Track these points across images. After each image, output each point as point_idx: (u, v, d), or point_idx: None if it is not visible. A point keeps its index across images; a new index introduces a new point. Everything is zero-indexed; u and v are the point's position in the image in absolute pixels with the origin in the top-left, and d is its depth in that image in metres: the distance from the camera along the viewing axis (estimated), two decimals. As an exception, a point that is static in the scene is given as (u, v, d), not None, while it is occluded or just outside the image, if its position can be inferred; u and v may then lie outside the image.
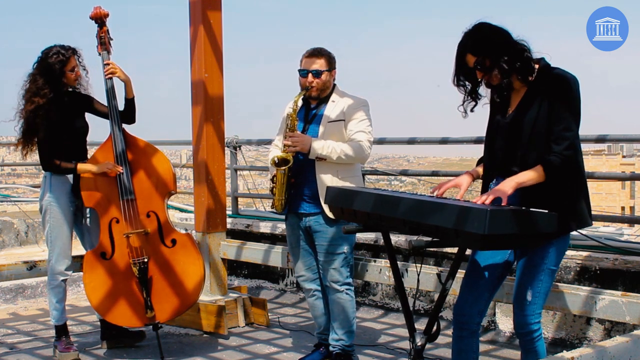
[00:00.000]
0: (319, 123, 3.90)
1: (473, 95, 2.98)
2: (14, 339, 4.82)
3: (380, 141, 5.81)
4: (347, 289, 3.96)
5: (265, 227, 6.23)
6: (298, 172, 3.89)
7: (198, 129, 5.07)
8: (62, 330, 4.35)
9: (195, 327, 4.89)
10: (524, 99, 2.91)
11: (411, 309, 3.06)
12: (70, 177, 4.27)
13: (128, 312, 4.27)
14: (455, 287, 3.24)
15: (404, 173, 6.27)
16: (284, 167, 3.83)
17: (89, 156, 4.39)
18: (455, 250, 2.98)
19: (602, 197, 34.16)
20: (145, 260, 4.23)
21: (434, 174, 6.25)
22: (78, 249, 4.56)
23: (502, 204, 2.71)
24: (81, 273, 4.41)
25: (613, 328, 4.28)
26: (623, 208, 34.82)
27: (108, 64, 4.31)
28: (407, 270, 3.90)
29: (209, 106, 5.03)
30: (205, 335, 4.82)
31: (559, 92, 2.83)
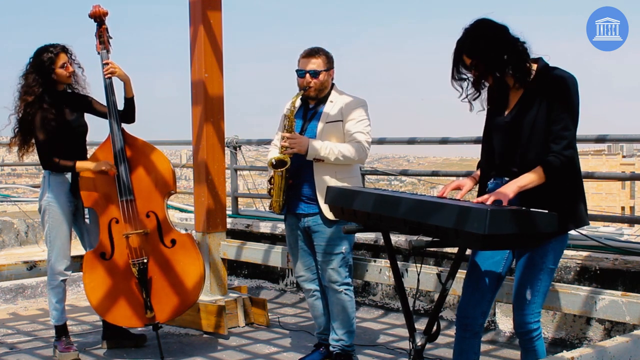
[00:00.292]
0: (317, 123, 3.89)
1: (476, 86, 2.96)
2: (14, 339, 4.82)
3: (380, 141, 5.81)
4: (345, 289, 3.96)
5: (265, 227, 6.23)
6: (296, 173, 3.89)
7: (198, 129, 5.07)
8: (62, 330, 4.35)
9: (195, 327, 4.89)
10: (523, 99, 2.91)
11: (411, 309, 3.06)
12: (69, 176, 4.27)
13: (128, 312, 4.26)
14: (455, 287, 3.24)
15: (404, 173, 6.27)
16: (281, 169, 3.83)
17: (88, 156, 4.39)
18: (455, 250, 2.98)
19: (602, 197, 34.16)
20: (145, 260, 4.23)
21: (434, 174, 6.26)
22: (78, 249, 4.56)
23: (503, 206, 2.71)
24: (81, 273, 4.41)
25: (613, 328, 4.28)
26: (623, 208, 34.81)
27: (107, 64, 4.30)
28: (407, 270, 3.90)
29: (209, 106, 5.03)
30: (205, 335, 4.82)
31: (557, 92, 2.83)
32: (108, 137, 4.32)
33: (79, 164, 4.21)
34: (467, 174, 3.37)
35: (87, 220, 4.42)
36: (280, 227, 5.98)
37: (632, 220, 6.56)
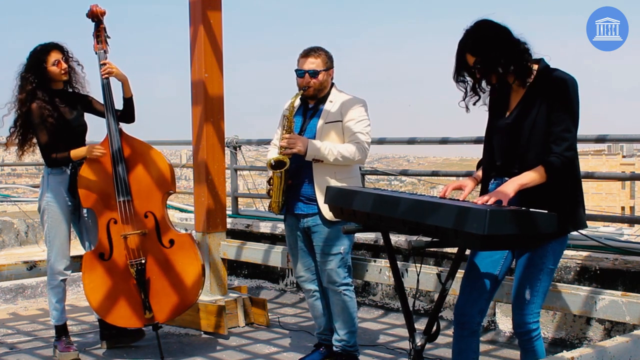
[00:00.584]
0: (316, 123, 3.89)
1: (476, 90, 2.98)
2: (14, 339, 4.82)
3: (380, 141, 5.81)
4: (345, 290, 3.95)
5: (265, 227, 6.23)
6: (296, 173, 3.88)
7: (198, 129, 5.07)
8: (62, 330, 4.35)
9: (195, 327, 4.89)
10: (524, 100, 2.91)
11: (411, 309, 3.06)
12: (67, 176, 4.26)
13: (127, 312, 4.26)
14: (455, 287, 3.24)
15: (404, 173, 6.27)
16: (280, 170, 3.82)
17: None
18: (455, 250, 2.98)
19: (602, 197, 34.16)
20: (143, 261, 4.23)
21: (434, 174, 6.26)
22: (78, 249, 4.56)
23: (503, 206, 2.71)
24: (81, 273, 4.40)
25: (613, 328, 4.28)
26: (623, 208, 34.81)
27: (104, 64, 4.29)
28: (407, 270, 3.90)
29: (209, 106, 5.03)
30: (205, 335, 4.82)
31: (558, 93, 2.83)
32: (106, 137, 4.31)
33: (73, 152, 4.19)
34: (468, 174, 3.38)
35: (86, 218, 4.40)
36: (280, 227, 5.98)
37: (632, 220, 6.56)
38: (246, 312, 5.07)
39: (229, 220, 5.87)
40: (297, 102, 3.96)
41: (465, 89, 2.98)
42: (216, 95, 5.06)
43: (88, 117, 4.42)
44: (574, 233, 3.92)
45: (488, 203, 2.71)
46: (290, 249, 4.13)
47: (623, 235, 4.95)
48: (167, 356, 4.32)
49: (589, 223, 3.25)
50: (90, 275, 4.29)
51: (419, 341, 2.95)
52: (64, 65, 4.22)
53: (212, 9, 4.99)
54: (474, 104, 3.01)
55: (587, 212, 3.00)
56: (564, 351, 2.86)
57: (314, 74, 3.84)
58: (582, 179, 3.01)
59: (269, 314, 5.14)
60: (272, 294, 6.01)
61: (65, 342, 4.32)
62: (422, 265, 3.28)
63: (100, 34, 4.34)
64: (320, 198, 3.79)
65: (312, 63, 3.85)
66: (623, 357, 2.60)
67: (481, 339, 4.47)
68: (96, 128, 4.52)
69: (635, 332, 2.82)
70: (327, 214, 3.71)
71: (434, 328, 2.95)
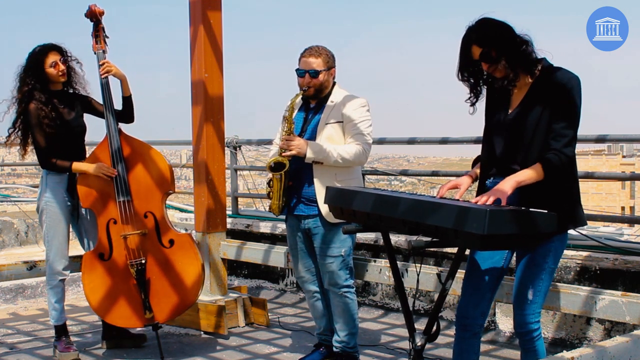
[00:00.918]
0: (317, 123, 3.87)
1: (475, 91, 2.98)
2: (14, 339, 4.82)
3: (380, 141, 5.80)
4: (345, 292, 3.94)
5: (265, 227, 6.23)
6: (296, 174, 3.86)
7: (198, 129, 5.07)
8: (61, 330, 4.35)
9: (195, 327, 4.88)
10: (527, 98, 2.91)
11: (411, 309, 3.06)
12: (66, 176, 4.26)
13: (127, 312, 4.26)
14: (455, 287, 3.24)
15: (404, 173, 6.27)
16: (279, 172, 3.81)
17: (87, 156, 4.38)
18: (455, 250, 2.98)
19: (602, 197, 34.18)
20: (143, 261, 4.22)
21: (434, 174, 6.26)
22: (78, 248, 4.56)
23: (502, 204, 2.71)
24: (80, 273, 4.40)
25: (613, 328, 4.28)
26: (623, 208, 34.82)
27: (103, 64, 4.28)
28: (407, 270, 3.90)
29: (209, 106, 5.03)
30: (205, 335, 4.82)
31: (561, 91, 2.83)
32: (105, 137, 4.31)
33: (75, 166, 4.20)
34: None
35: (86, 217, 4.40)
36: (280, 227, 5.98)
37: (632, 220, 6.55)
38: (246, 312, 5.07)
39: (229, 220, 5.87)
40: (298, 102, 3.95)
41: (470, 87, 2.98)
42: (216, 95, 5.06)
43: (87, 118, 4.42)
44: (574, 233, 3.92)
45: (487, 203, 2.71)
46: (291, 250, 4.12)
47: (623, 235, 4.95)
48: (167, 356, 4.32)
49: (589, 223, 3.25)
50: (90, 276, 4.29)
51: (419, 341, 2.95)
52: (62, 67, 4.21)
53: (212, 9, 4.99)
54: (472, 105, 3.01)
55: (587, 212, 3.00)
56: (564, 351, 2.86)
57: (315, 73, 3.82)
58: (582, 179, 3.02)
59: (269, 314, 5.14)
60: (272, 294, 6.01)
61: (65, 342, 4.32)
62: (422, 265, 3.28)
63: (99, 33, 4.34)
64: (320, 199, 3.77)
65: (313, 63, 3.82)
66: (623, 357, 2.60)
67: (481, 339, 4.47)
68: (96, 129, 4.53)
69: (635, 332, 2.82)
70: (328, 215, 3.70)
71: (434, 328, 2.95)
